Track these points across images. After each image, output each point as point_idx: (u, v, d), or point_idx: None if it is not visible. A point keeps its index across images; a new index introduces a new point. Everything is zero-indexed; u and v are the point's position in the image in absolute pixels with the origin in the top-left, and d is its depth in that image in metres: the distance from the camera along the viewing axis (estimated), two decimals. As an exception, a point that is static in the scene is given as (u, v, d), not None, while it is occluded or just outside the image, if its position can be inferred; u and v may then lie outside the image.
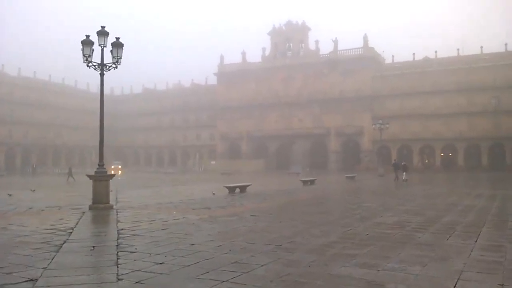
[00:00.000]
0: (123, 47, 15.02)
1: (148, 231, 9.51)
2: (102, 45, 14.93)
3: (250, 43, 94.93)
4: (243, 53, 77.17)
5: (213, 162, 72.98)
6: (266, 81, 73.91)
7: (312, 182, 28.88)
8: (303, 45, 74.15)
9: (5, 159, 69.02)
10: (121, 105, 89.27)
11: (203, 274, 5.80)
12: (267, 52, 76.08)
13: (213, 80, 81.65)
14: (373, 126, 49.83)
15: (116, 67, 15.33)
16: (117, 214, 12.88)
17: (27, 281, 5.56)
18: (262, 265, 6.21)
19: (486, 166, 59.49)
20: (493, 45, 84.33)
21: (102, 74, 15.17)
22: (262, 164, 69.12)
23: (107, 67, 15.14)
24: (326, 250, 7.14)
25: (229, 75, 77.19)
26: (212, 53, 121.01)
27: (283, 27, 74.72)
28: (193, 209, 14.09)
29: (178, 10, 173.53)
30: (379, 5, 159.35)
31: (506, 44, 61.69)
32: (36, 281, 5.55)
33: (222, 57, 78.86)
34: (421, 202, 15.14)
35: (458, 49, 65.27)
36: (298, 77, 71.67)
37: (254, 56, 77.78)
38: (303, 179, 29.20)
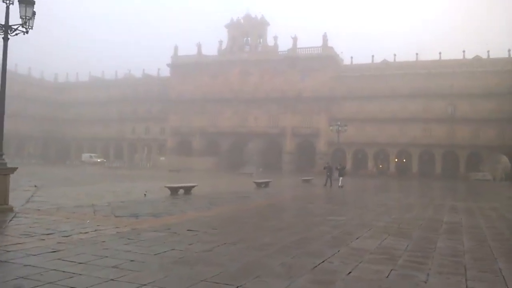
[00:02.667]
0: (34, 5, 11.65)
1: (26, 254, 6.42)
2: (8, 2, 11.58)
3: (206, 35, 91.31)
4: (199, 45, 73.71)
5: (162, 158, 69.16)
6: (222, 75, 70.87)
7: (266, 184, 26.25)
8: (261, 40, 71.73)
9: None
10: (66, 93, 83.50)
11: None
12: (223, 46, 73.04)
13: (166, 72, 77.72)
14: (331, 127, 47.99)
15: (27, 32, 11.95)
16: (10, 221, 9.64)
17: None
18: None
19: (439, 173, 59.28)
20: (452, 52, 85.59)
21: (5, 39, 11.71)
22: (214, 162, 65.99)
23: (13, 30, 11.74)
24: (294, 311, 4.38)
25: (183, 67, 73.50)
26: (166, 44, 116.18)
27: (241, 20, 71.92)
28: (116, 216, 11.01)
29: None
30: (339, 7, 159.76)
31: (464, 51, 61.81)
32: None
33: (176, 48, 75.03)
34: (397, 217, 12.73)
35: (416, 54, 64.92)
36: (255, 73, 69.12)
37: (211, 49, 74.42)
38: (256, 180, 26.53)
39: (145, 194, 17.33)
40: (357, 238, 8.71)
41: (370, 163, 64.31)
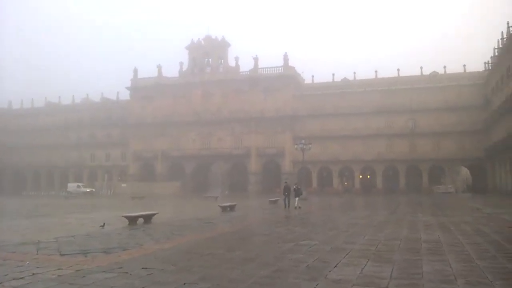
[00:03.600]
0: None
1: None
2: None
3: (167, 57, 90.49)
4: (159, 67, 72.53)
5: (124, 185, 66.74)
6: (184, 97, 69.80)
7: (232, 208, 25.17)
8: (222, 61, 71.35)
9: None
10: (21, 120, 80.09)
11: None
12: (184, 67, 72.20)
13: (125, 95, 75.87)
14: (296, 146, 47.49)
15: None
16: None
17: None
18: None
19: (403, 188, 59.70)
20: (410, 68, 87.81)
21: None
22: (178, 187, 64.33)
23: None
24: None
25: (144, 90, 72.00)
26: (126, 67, 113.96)
27: (202, 42, 71.41)
28: (62, 254, 9.70)
29: (87, 19, 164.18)
30: (299, 28, 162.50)
31: (421, 68, 63.29)
32: None
33: (136, 71, 73.55)
34: (371, 238, 11.94)
35: (376, 72, 65.95)
36: (217, 94, 68.44)
37: (171, 71, 73.42)
38: (222, 204, 25.40)
39: (102, 226, 15.91)
40: (335, 266, 7.79)
41: (335, 181, 64.23)
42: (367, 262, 8.19)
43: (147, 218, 18.04)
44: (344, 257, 8.77)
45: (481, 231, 13.23)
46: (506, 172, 46.27)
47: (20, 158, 77.71)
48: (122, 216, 17.38)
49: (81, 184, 65.97)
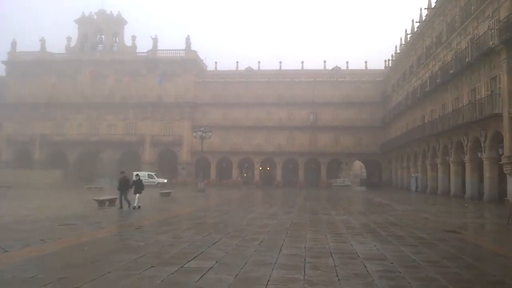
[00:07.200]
0: None
1: None
2: None
3: (52, 30, 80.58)
4: (43, 41, 63.83)
5: (-8, 172, 57.38)
6: (71, 76, 62.13)
7: (111, 202, 20.68)
8: (117, 39, 64.78)
9: None
10: None
11: None
12: (73, 43, 64.34)
13: (0, 71, 65.83)
14: (194, 133, 43.66)
15: None
16: None
17: None
18: None
19: (302, 181, 58.79)
20: (313, 61, 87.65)
21: None
22: (59, 176, 56.72)
23: None
24: None
25: (23, 65, 62.78)
26: (1, 38, 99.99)
27: (95, 16, 64.16)
28: None
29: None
30: (203, 11, 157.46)
31: (324, 62, 62.76)
32: None
33: (14, 43, 64.09)
34: (291, 252, 8.51)
35: (280, 62, 64.24)
36: (110, 75, 61.84)
37: (57, 46, 65.20)
38: (98, 198, 20.73)
39: None
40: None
41: (235, 172, 61.52)
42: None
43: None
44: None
45: (421, 239, 10.53)
46: (403, 168, 46.81)
47: None
48: None
49: (154, 173, 52.76)
